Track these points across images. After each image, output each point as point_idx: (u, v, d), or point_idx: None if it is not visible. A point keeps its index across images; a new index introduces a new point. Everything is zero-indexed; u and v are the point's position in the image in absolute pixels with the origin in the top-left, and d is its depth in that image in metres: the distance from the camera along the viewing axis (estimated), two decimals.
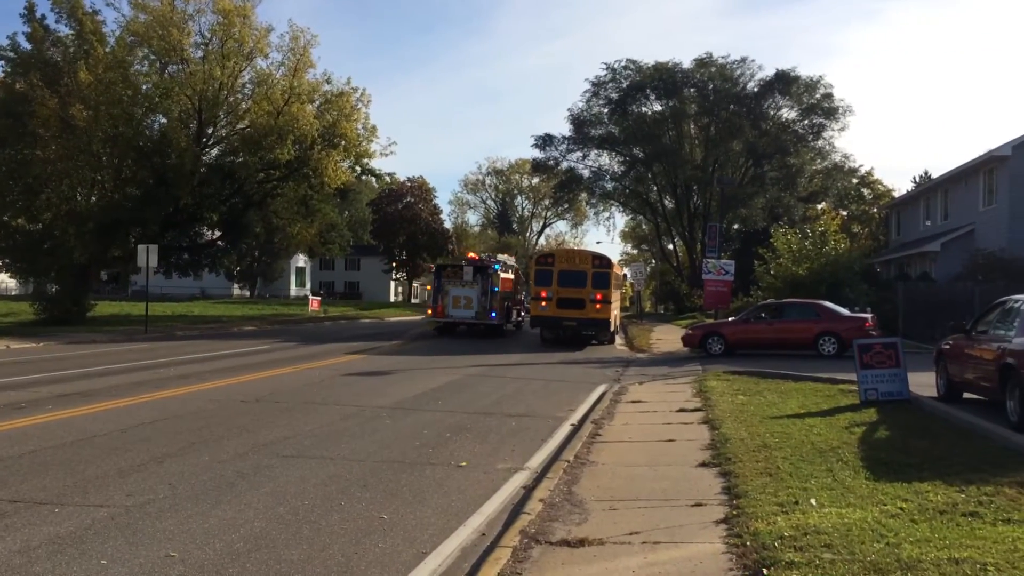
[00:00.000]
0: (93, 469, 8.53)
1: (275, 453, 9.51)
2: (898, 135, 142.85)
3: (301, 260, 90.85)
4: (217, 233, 45.81)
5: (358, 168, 47.68)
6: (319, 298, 58.65)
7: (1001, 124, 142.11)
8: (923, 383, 13.79)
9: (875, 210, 62.95)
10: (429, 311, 34.32)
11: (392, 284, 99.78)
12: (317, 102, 42.01)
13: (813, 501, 6.86)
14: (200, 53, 39.53)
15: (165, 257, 38.64)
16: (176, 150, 35.96)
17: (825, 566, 5.23)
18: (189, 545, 6.20)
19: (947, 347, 13.35)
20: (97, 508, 7.11)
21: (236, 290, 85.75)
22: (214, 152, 41.98)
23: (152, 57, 38.83)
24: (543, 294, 28.75)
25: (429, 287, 39.30)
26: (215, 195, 40.38)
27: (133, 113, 35.85)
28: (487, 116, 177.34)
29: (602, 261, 29.92)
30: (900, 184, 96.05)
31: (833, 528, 6.02)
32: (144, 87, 37.45)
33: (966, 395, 12.75)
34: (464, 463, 9.19)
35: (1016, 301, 11.70)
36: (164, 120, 38.27)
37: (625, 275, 46.78)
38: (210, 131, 40.60)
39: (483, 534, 6.71)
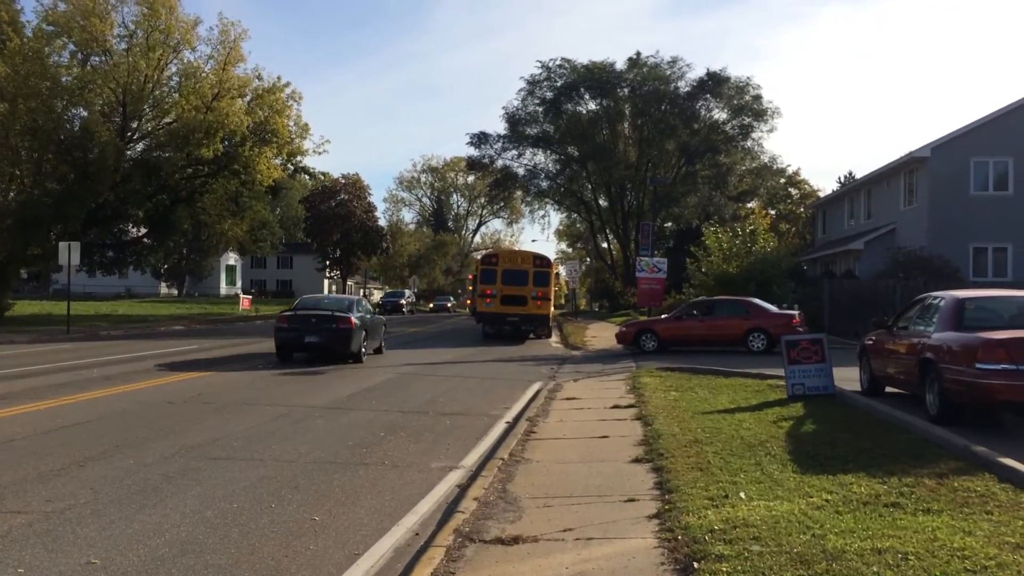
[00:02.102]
0: (11, 474, 8.20)
1: (203, 455, 9.28)
2: (824, 136, 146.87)
3: (232, 258, 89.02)
4: (143, 230, 44.61)
5: (291, 166, 46.97)
6: (250, 297, 57.62)
7: (921, 126, 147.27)
8: (848, 377, 14.15)
9: (802, 209, 64.53)
10: (468, 301, 48.59)
11: (326, 283, 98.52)
12: (248, 97, 41.20)
13: (742, 495, 6.98)
14: (124, 45, 38.41)
15: (88, 255, 37.49)
16: (98, 144, 34.87)
17: (753, 558, 5.32)
18: (111, 551, 6.00)
19: (870, 343, 13.71)
20: (14, 515, 6.84)
21: (163, 289, 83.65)
22: (139, 147, 40.83)
23: (73, 48, 37.60)
24: (488, 292, 30.37)
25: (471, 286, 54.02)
26: (140, 191, 39.26)
27: (53, 106, 34.65)
28: (423, 113, 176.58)
29: (543, 261, 31.70)
30: (826, 184, 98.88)
31: (761, 521, 6.13)
32: (64, 79, 36.23)
33: (888, 389, 13.10)
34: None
35: (935, 298, 12.09)
36: (86, 113, 37.08)
37: (558, 273, 48.18)
38: (135, 125, 39.47)
39: (417, 534, 6.66)
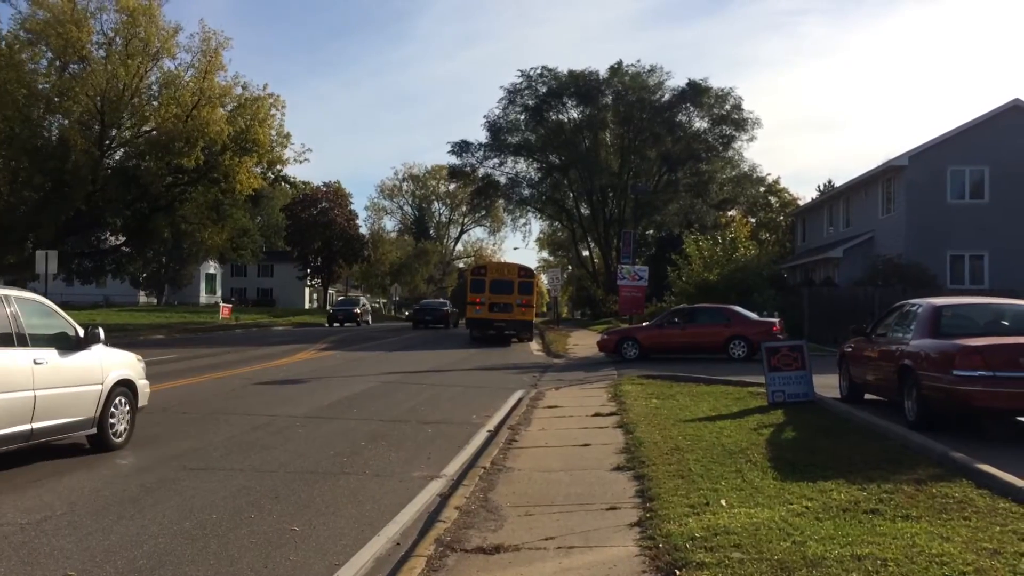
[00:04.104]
0: None
1: (182, 466, 9.20)
2: (804, 144, 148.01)
3: (212, 266, 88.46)
4: (121, 239, 44.30)
5: (271, 175, 46.86)
6: (230, 305, 57.20)
7: (900, 135, 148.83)
8: (827, 384, 14.23)
9: (782, 217, 64.93)
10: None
11: (307, 291, 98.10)
12: (229, 106, 41.02)
13: (723, 502, 7.00)
14: (103, 52, 38.16)
15: (65, 263, 37.17)
16: (75, 153, 34.62)
17: (734, 566, 5.34)
18: (88, 563, 5.94)
19: (849, 350, 13.80)
20: None
21: (142, 297, 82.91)
22: (118, 155, 40.56)
23: (51, 56, 37.33)
24: (477, 300, 33.60)
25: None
26: (118, 199, 38.97)
27: (29, 114, 34.38)
28: (405, 121, 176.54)
29: (527, 272, 35.37)
30: (805, 192, 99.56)
31: (742, 528, 6.15)
32: (41, 86, 35.95)
33: (867, 396, 13.19)
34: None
35: (913, 305, 12.19)
36: (65, 121, 36.83)
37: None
38: (113, 133, 39.21)
39: (398, 543, 6.62)
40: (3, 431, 8.28)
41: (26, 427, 8.62)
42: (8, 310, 8.69)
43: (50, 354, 9.05)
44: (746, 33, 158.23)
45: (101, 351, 10.06)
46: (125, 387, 10.36)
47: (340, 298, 78.40)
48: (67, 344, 9.47)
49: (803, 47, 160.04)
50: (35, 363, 8.74)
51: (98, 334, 9.86)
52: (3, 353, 8.42)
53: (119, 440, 10.11)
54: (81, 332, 9.68)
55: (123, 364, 10.57)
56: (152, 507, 7.46)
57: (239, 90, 41.31)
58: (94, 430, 9.76)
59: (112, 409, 9.98)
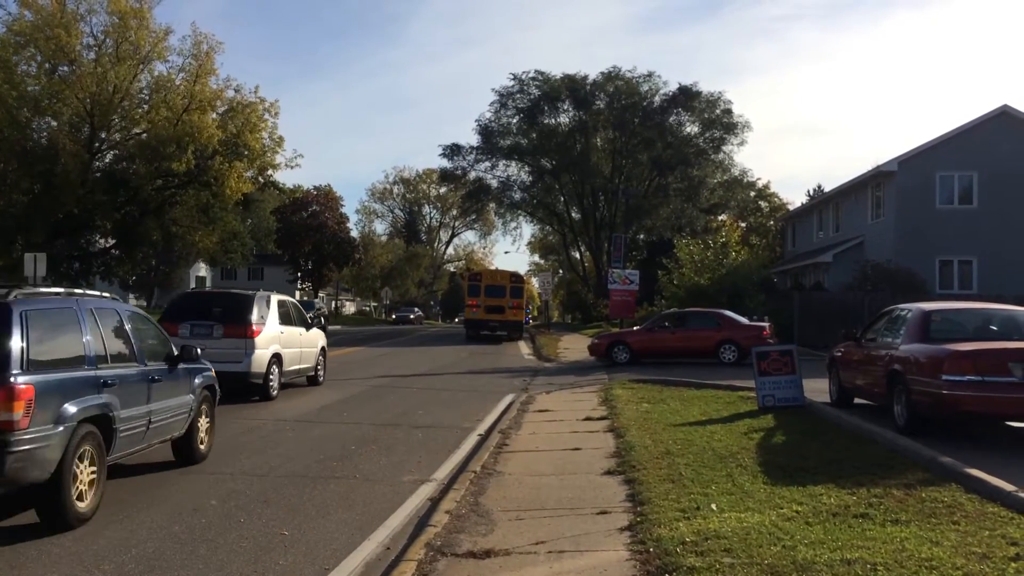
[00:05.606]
0: None
1: (171, 469, 9.16)
2: (794, 149, 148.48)
3: (202, 269, 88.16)
4: (111, 241, 44.11)
5: (261, 179, 46.63)
6: None
7: (888, 141, 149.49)
8: (817, 389, 14.27)
9: (772, 222, 65.08)
10: None
11: (297, 294, 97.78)
12: (221, 110, 40.85)
13: (714, 506, 7.02)
14: (92, 55, 37.98)
15: (54, 266, 36.96)
16: (64, 156, 34.46)
17: (725, 570, 5.34)
18: (77, 568, 5.91)
19: (839, 354, 13.83)
20: None
21: (132, 300, 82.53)
22: (108, 158, 40.39)
23: (40, 58, 37.13)
24: (474, 303, 37.98)
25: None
26: (108, 202, 38.79)
27: (17, 116, 34.20)
28: (397, 125, 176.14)
29: (517, 278, 40.01)
30: (795, 197, 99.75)
31: (732, 532, 6.16)
32: (30, 88, 35.77)
33: (857, 400, 13.22)
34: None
35: (902, 310, 12.23)
36: (54, 124, 36.67)
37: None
38: (103, 136, 39.03)
39: (388, 548, 6.61)
40: (293, 367, 16.33)
41: (297, 367, 16.52)
42: (290, 307, 16.78)
43: (302, 329, 17.00)
44: (738, 38, 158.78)
45: (315, 330, 18.06)
46: (323, 350, 18.23)
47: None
48: (305, 323, 17.40)
49: (794, 52, 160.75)
50: (300, 334, 16.74)
51: (321, 321, 17.25)
52: (291, 328, 16.39)
53: (321, 381, 17.95)
54: (309, 318, 17.72)
55: (322, 336, 18.58)
56: (141, 511, 7.43)
57: (231, 93, 41.16)
58: (313, 373, 17.62)
59: (318, 363, 17.80)
